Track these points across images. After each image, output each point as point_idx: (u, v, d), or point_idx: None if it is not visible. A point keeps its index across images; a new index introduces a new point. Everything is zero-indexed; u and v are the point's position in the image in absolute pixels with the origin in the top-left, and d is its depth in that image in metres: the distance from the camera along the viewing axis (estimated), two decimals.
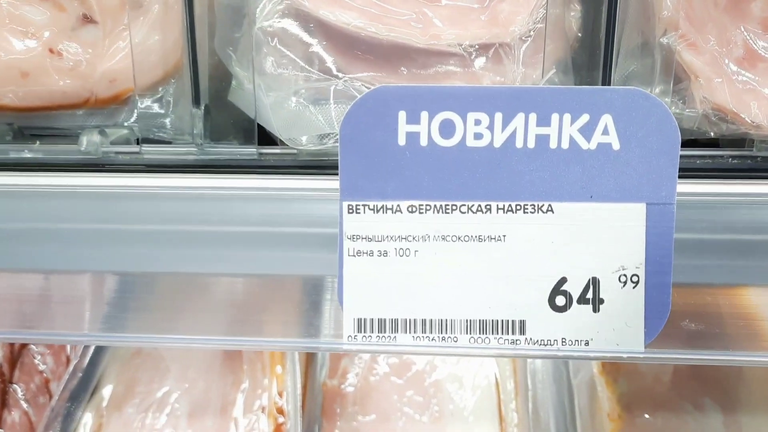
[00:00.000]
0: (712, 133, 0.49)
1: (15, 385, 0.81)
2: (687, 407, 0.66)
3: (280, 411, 0.79)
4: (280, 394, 0.80)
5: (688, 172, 0.48)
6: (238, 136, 0.52)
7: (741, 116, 0.47)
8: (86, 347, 0.81)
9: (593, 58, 0.51)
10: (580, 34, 0.54)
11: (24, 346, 0.82)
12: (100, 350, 0.83)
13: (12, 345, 0.81)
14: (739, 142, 0.50)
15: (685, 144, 0.50)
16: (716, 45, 0.47)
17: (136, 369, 0.85)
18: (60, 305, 0.52)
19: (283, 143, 0.50)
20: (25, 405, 0.82)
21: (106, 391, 0.83)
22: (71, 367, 0.81)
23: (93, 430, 0.81)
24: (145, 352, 0.86)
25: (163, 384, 0.85)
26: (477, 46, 0.51)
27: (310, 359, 0.85)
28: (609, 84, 0.48)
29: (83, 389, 0.82)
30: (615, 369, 0.69)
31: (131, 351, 0.86)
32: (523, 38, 0.52)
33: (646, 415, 0.66)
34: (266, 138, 0.52)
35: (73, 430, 0.79)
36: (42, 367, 0.81)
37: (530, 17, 0.51)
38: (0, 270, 0.52)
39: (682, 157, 0.42)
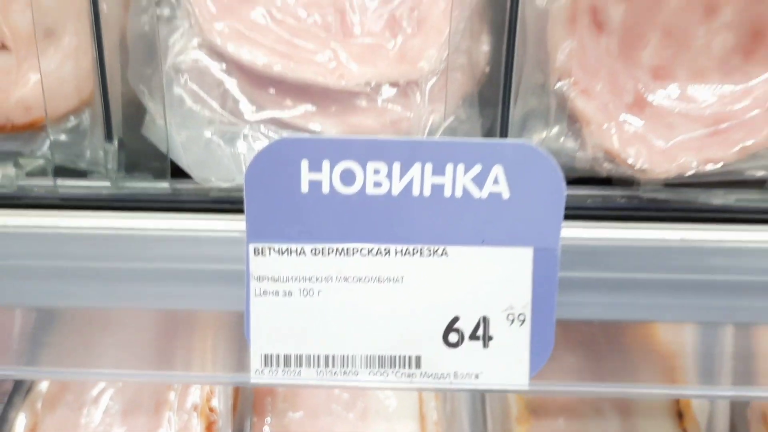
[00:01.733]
0: (604, 173, 0.52)
1: None
2: (589, 412, 0.71)
3: (212, 410, 0.81)
4: (212, 392, 0.82)
5: (579, 210, 0.51)
6: (154, 167, 0.53)
7: (628, 161, 0.50)
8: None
9: (497, 94, 0.53)
10: (488, 69, 0.56)
11: None
12: None
13: None
14: (631, 181, 0.53)
15: (582, 181, 0.54)
16: (608, 91, 0.50)
17: None
18: None
19: None
20: None
21: (40, 389, 0.85)
22: None
23: (28, 429, 0.83)
24: None
25: (98, 382, 0.87)
26: (384, 83, 0.53)
27: None
28: (507, 121, 0.51)
29: (18, 390, 0.83)
30: (529, 409, 0.74)
31: None
32: (433, 73, 0.54)
33: (551, 419, 0.71)
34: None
35: (7, 431, 0.81)
36: None
37: (439, 53, 0.53)
38: None
39: (574, 196, 0.45)
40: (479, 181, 0.46)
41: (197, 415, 0.81)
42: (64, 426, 0.83)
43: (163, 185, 0.51)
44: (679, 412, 0.74)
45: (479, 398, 0.74)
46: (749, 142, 0.49)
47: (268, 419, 0.83)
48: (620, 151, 0.50)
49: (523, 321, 0.47)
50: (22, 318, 0.50)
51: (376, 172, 0.45)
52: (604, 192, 0.52)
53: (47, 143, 0.56)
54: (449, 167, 0.45)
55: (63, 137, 0.55)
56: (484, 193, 0.46)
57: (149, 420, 0.82)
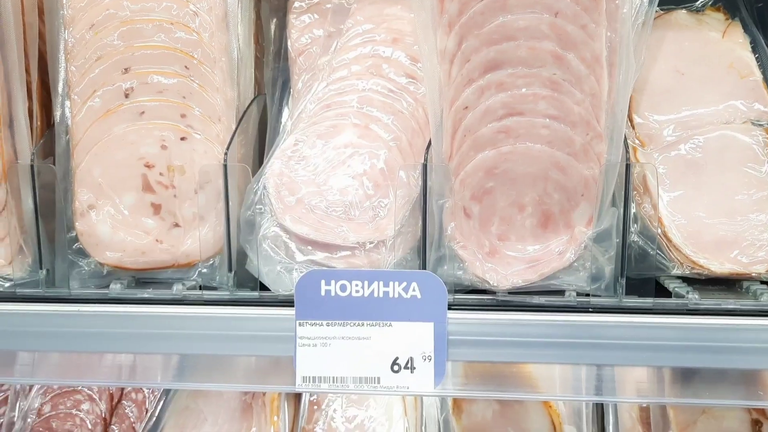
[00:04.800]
0: (479, 287, 1.01)
1: (113, 426, 1.31)
2: None
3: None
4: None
5: (464, 306, 0.99)
6: (251, 285, 1.05)
7: (488, 281, 0.98)
8: (158, 403, 1.32)
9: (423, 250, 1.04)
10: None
11: (120, 400, 1.33)
12: (165, 406, 1.33)
13: (112, 399, 1.31)
14: (491, 290, 1.01)
15: (468, 290, 1.02)
16: (474, 246, 1.00)
17: (185, 418, 1.35)
18: (148, 369, 1.03)
19: None
20: None
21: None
22: (147, 415, 1.31)
23: None
24: (190, 407, 1.37)
25: (202, 429, 1.35)
26: (367, 242, 1.04)
27: (296, 412, 1.35)
28: (425, 261, 1.00)
29: (153, 431, 1.32)
30: (458, 407, 1.18)
31: (182, 406, 1.36)
32: (392, 237, 1.05)
33: None
34: None
35: None
36: (130, 414, 1.32)
37: (394, 226, 1.05)
38: (123, 351, 1.03)
39: (461, 298, 0.94)
40: (406, 289, 0.95)
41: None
42: None
43: (255, 294, 1.03)
44: None
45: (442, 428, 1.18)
46: (545, 271, 0.97)
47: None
48: (483, 276, 0.99)
49: (430, 359, 0.95)
50: (170, 359, 1.01)
51: (357, 285, 0.96)
52: (477, 296, 1.00)
53: (197, 272, 1.09)
54: (391, 283, 0.95)
55: (205, 270, 1.08)
56: (408, 295, 0.95)
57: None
